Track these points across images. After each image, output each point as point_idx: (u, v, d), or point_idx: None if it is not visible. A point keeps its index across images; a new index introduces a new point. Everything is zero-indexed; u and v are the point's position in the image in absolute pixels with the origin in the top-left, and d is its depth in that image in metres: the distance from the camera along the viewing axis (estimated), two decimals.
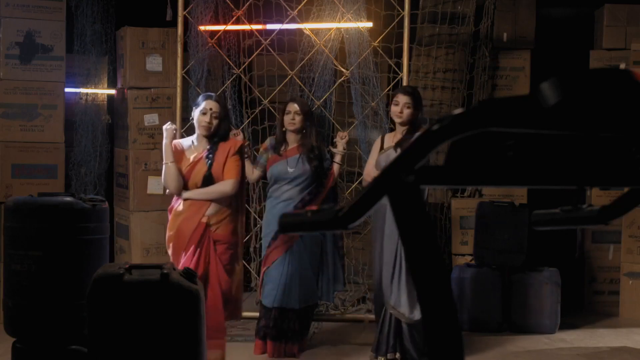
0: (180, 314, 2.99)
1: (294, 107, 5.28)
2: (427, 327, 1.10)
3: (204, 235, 4.59)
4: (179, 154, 4.67)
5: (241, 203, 4.81)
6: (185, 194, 4.60)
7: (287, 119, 5.28)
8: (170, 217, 4.70)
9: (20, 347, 3.97)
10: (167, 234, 4.68)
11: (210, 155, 4.64)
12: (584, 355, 5.55)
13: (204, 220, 4.60)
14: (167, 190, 4.74)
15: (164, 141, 4.62)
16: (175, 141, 4.71)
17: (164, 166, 4.60)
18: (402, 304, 4.93)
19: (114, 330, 2.97)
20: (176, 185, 4.59)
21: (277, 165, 5.29)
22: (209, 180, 4.61)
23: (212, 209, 4.61)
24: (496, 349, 5.64)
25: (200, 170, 4.60)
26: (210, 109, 4.63)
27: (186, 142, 4.75)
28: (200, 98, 4.76)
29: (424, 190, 5.02)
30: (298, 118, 5.26)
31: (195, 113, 4.66)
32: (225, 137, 4.72)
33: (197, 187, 4.61)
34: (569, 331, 6.15)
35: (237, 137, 5.09)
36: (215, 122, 4.63)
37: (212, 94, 4.91)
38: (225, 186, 4.61)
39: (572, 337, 6.03)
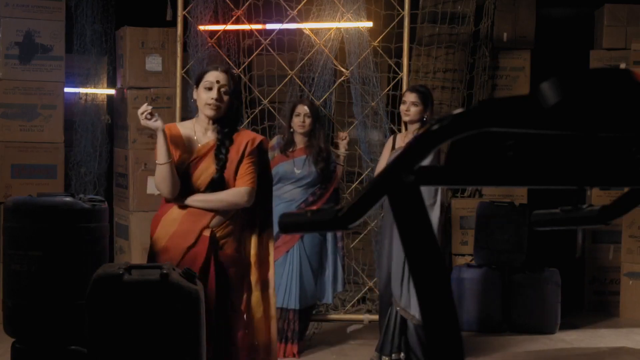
0: (180, 314, 2.99)
1: (304, 109, 5.26)
2: (427, 327, 1.10)
3: (208, 254, 3.46)
4: (176, 144, 3.50)
5: (264, 215, 3.68)
6: (187, 200, 3.48)
7: (297, 121, 5.26)
8: (157, 226, 3.55)
9: (19, 347, 3.96)
10: (152, 248, 3.56)
11: (223, 151, 3.51)
12: (584, 356, 5.55)
13: (207, 233, 3.47)
14: (157, 192, 3.63)
15: (161, 140, 3.40)
16: (168, 125, 3.54)
17: (158, 167, 3.42)
18: (413, 305, 4.90)
19: (113, 331, 2.96)
20: (172, 187, 3.42)
21: (283, 165, 5.28)
22: (217, 184, 3.49)
23: (215, 221, 3.50)
24: (496, 349, 5.63)
25: (207, 169, 3.50)
26: (218, 82, 3.49)
27: (185, 128, 3.60)
28: (201, 71, 3.68)
29: (439, 192, 4.98)
30: (308, 120, 5.24)
31: (198, 91, 3.54)
32: (237, 122, 3.66)
33: (200, 192, 3.49)
34: (569, 331, 6.15)
35: None
36: (225, 98, 3.50)
37: (217, 64, 3.81)
38: (238, 196, 3.48)
39: (572, 337, 6.03)
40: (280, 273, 5.21)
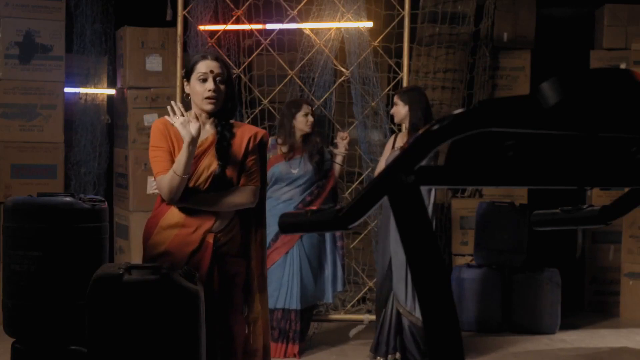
0: (180, 314, 2.99)
1: (309, 108, 5.31)
2: (427, 327, 1.10)
3: (212, 260, 3.25)
4: (176, 139, 3.21)
5: (258, 213, 3.42)
6: (188, 201, 3.23)
7: (304, 120, 5.28)
8: (153, 229, 3.30)
9: (19, 347, 3.96)
10: (149, 253, 3.31)
11: (224, 144, 3.24)
12: (584, 356, 5.54)
13: (210, 239, 3.25)
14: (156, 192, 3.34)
15: (188, 152, 3.11)
16: (162, 119, 3.24)
17: (174, 176, 3.14)
18: (418, 309, 4.90)
19: (113, 331, 2.96)
20: (178, 197, 3.20)
21: (280, 165, 5.28)
22: (220, 182, 3.24)
23: (218, 225, 3.26)
24: (496, 349, 5.63)
25: (209, 166, 3.24)
26: (212, 72, 3.22)
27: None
28: (191, 62, 3.32)
29: (431, 192, 5.00)
30: (312, 119, 5.30)
31: (191, 84, 3.26)
32: (234, 112, 3.37)
33: (202, 191, 3.23)
34: (569, 331, 6.15)
35: None
36: (222, 88, 3.23)
37: (206, 53, 3.43)
38: (244, 196, 3.25)
39: (572, 337, 6.03)
40: (281, 274, 5.21)
